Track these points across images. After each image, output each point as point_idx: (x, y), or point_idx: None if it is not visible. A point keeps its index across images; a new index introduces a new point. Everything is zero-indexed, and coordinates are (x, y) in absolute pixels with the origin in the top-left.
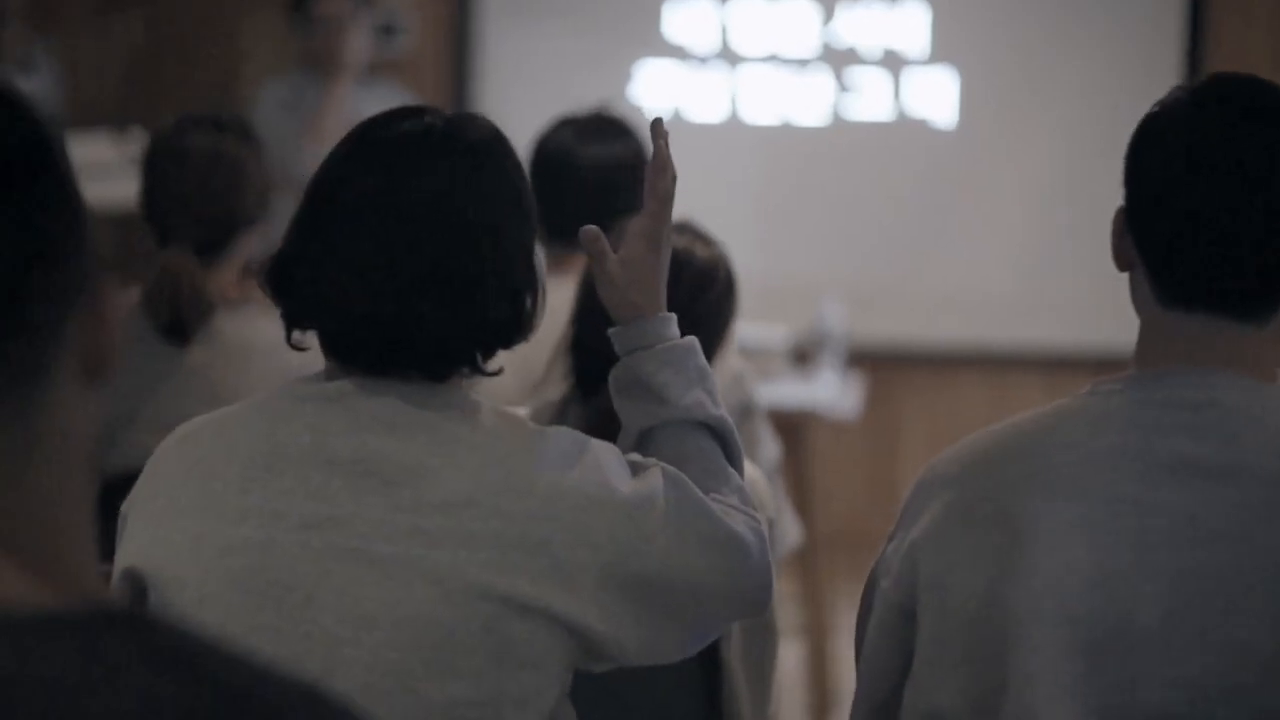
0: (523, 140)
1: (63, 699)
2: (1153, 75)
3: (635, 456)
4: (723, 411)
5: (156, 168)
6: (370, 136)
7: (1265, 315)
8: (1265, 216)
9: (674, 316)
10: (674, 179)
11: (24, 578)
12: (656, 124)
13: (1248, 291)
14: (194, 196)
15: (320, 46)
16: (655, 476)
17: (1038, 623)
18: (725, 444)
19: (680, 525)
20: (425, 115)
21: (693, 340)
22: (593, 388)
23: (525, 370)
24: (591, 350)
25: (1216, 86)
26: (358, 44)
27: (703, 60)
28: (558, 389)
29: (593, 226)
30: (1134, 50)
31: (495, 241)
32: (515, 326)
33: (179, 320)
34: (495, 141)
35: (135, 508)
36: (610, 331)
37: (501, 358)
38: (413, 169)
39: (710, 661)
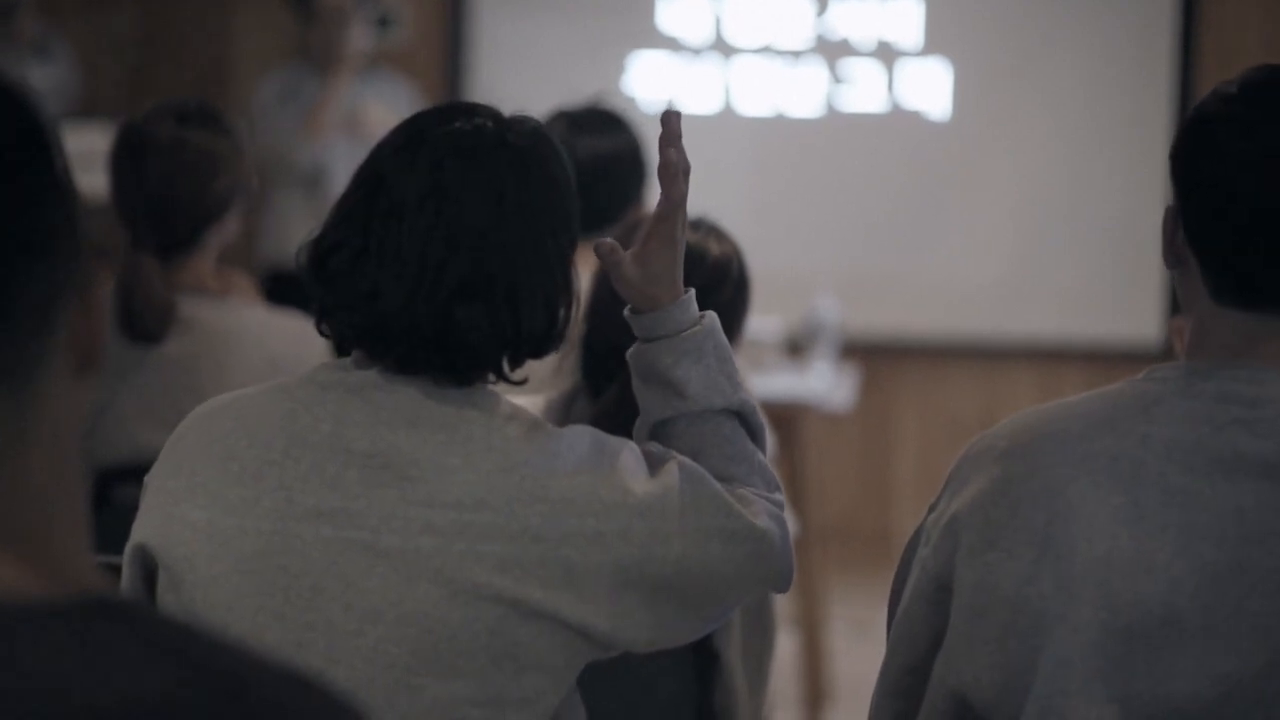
0: None
1: (55, 688)
2: (1146, 67)
3: (653, 448)
4: (742, 393)
5: (120, 166)
6: (421, 133)
7: None
8: None
9: (692, 296)
10: (688, 174)
11: (18, 568)
12: (668, 117)
13: None
14: (157, 195)
15: (321, 40)
16: (672, 474)
17: (1075, 606)
18: (748, 424)
19: (697, 523)
20: (476, 116)
21: (712, 321)
22: (604, 382)
23: None
24: (603, 347)
25: (1266, 83)
26: (358, 37)
27: (696, 52)
28: (568, 381)
29: (607, 240)
30: (1127, 41)
31: (536, 250)
32: (548, 337)
33: (139, 325)
34: (544, 147)
35: (154, 483)
36: (627, 315)
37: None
38: (460, 171)
39: (707, 654)
